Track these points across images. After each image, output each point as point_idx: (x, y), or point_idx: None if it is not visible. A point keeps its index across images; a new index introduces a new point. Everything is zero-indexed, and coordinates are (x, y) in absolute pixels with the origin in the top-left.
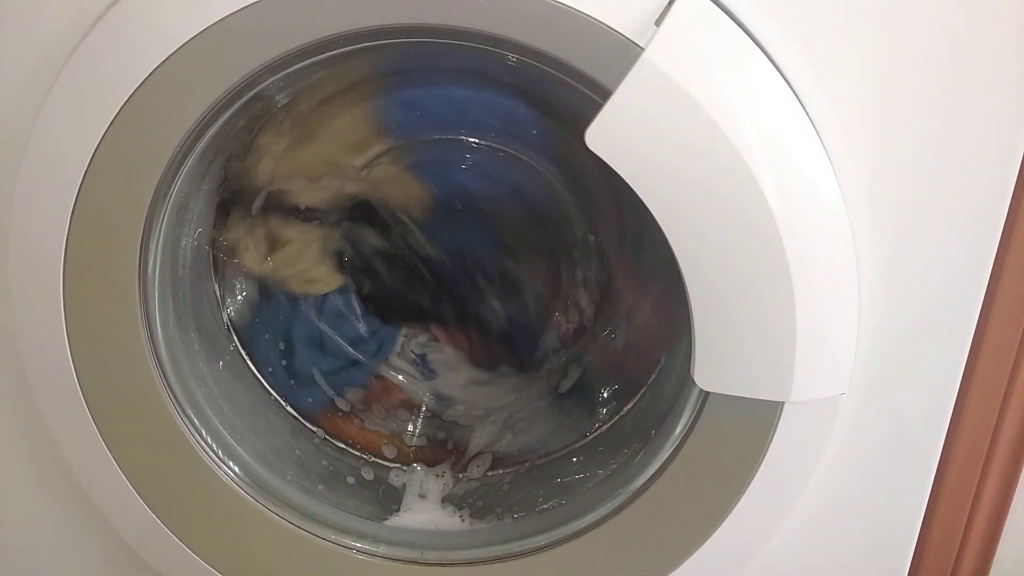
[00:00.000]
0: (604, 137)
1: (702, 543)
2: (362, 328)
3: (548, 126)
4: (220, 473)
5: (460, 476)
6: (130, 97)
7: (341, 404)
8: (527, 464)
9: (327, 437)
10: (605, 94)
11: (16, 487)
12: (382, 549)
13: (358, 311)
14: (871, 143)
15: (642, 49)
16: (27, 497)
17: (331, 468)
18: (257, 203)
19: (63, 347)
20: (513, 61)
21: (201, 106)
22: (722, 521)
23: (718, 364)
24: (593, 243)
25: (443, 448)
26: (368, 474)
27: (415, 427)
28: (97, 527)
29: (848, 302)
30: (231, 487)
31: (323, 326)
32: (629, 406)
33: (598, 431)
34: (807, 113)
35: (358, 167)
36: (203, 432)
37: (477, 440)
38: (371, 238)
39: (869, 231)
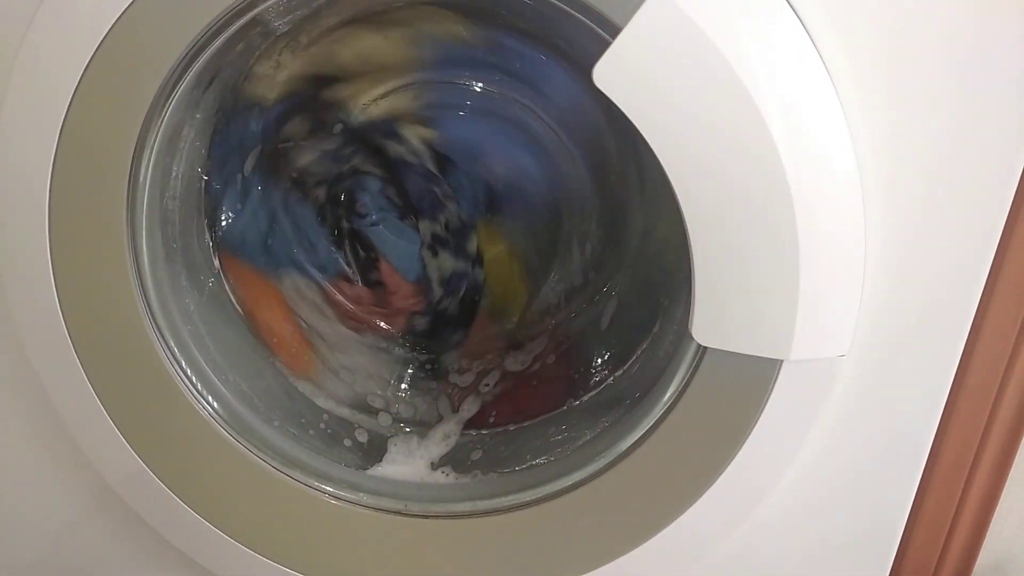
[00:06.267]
0: (612, 75)
1: (692, 504)
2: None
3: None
4: (199, 408)
5: (445, 436)
6: (120, 16)
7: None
8: (510, 427)
9: None
10: (615, 31)
11: None
12: (365, 499)
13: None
14: (890, 107)
15: None
16: (10, 438)
17: (329, 431)
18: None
19: (48, 279)
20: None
21: (196, 27)
22: (714, 481)
23: (717, 319)
24: (593, 201)
25: (434, 412)
26: (362, 436)
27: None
28: (81, 468)
29: (854, 262)
30: (210, 424)
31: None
32: (619, 372)
33: (584, 398)
34: (824, 64)
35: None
36: (184, 364)
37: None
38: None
39: (881, 199)
